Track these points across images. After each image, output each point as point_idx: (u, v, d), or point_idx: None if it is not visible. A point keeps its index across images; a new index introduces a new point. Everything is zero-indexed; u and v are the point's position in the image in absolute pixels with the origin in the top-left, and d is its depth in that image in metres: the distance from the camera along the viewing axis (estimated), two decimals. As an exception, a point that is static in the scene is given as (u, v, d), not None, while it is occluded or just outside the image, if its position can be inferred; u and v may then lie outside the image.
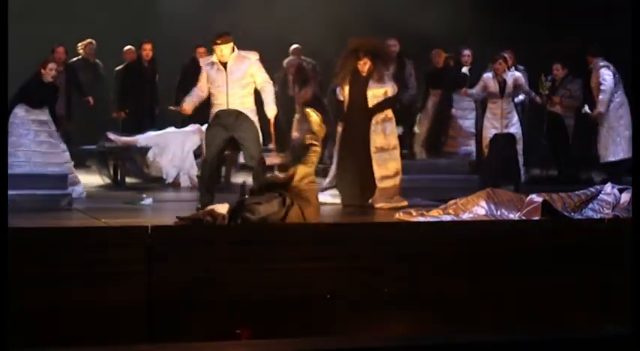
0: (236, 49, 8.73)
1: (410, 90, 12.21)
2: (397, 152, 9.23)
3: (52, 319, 6.07)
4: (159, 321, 6.33)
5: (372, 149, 8.99)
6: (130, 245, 6.42)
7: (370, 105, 9.04)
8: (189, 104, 9.06)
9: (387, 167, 9.07)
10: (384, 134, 9.08)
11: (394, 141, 9.21)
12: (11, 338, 4.93)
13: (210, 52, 9.08)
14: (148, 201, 9.39)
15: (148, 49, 12.71)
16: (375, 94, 9.06)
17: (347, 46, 9.19)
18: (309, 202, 7.59)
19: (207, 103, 9.03)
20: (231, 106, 8.60)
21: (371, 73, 9.02)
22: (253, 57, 8.79)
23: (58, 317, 6.08)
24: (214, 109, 8.73)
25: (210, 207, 7.45)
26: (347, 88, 9.12)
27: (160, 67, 12.92)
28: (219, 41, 8.65)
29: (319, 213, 7.74)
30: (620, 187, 8.32)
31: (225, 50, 8.62)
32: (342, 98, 9.23)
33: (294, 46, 14.16)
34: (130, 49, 13.07)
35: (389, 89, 9.16)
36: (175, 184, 11.09)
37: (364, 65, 8.99)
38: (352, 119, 9.11)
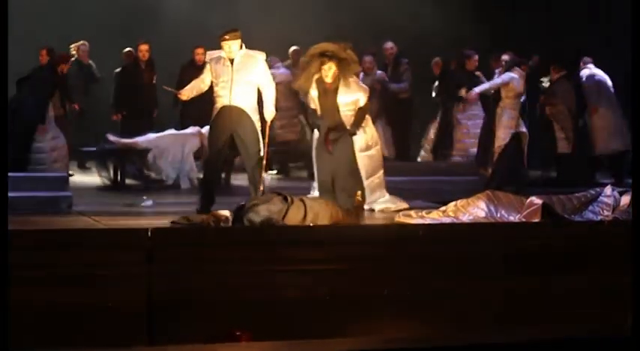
0: (244, 46, 8.76)
1: (402, 84, 12.27)
2: (379, 147, 9.10)
3: (52, 320, 6.07)
4: (159, 323, 6.33)
5: (357, 151, 8.78)
6: (131, 247, 6.43)
7: (342, 114, 8.67)
8: (187, 91, 9.08)
9: (372, 165, 8.92)
10: (364, 135, 8.88)
11: (375, 137, 9.06)
12: (11, 339, 4.93)
13: (215, 49, 9.08)
14: (148, 203, 9.40)
15: (144, 51, 12.73)
16: (347, 102, 8.67)
17: (310, 51, 8.77)
18: (324, 202, 7.68)
19: (209, 103, 9.04)
20: (234, 103, 8.62)
21: (336, 79, 8.61)
22: (261, 57, 8.82)
23: (58, 319, 6.08)
24: (217, 105, 8.75)
25: (213, 211, 7.51)
26: (315, 97, 8.73)
27: (159, 69, 12.94)
28: (227, 37, 8.67)
29: (333, 211, 7.76)
30: (620, 189, 8.32)
31: (233, 46, 8.65)
32: (313, 106, 8.85)
33: (294, 48, 14.21)
34: (128, 51, 13.11)
35: (360, 98, 8.73)
36: (175, 186, 11.10)
37: (329, 70, 8.56)
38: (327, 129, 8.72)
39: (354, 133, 8.72)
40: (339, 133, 8.68)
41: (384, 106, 12.46)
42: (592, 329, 4.16)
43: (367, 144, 8.91)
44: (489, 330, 6.04)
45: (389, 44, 12.52)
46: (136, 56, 12.75)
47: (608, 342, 3.69)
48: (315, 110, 8.83)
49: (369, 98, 8.99)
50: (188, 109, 12.13)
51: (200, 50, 12.51)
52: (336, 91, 8.67)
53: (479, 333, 4.16)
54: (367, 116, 8.99)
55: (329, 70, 8.58)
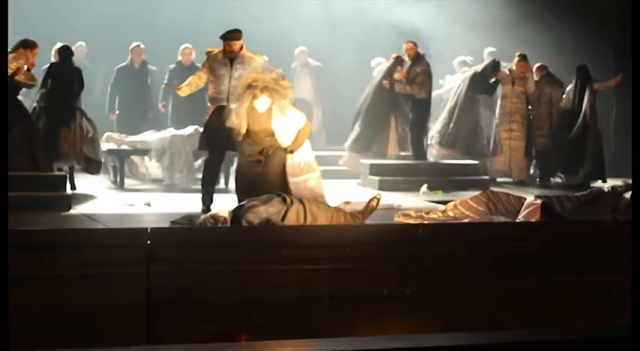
0: (244, 47, 8.81)
1: (416, 84, 12.26)
2: (307, 147, 8.54)
3: (52, 320, 6.07)
4: (158, 322, 6.33)
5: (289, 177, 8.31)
6: (130, 247, 6.42)
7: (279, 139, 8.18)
8: (186, 87, 9.07)
9: (296, 165, 8.46)
10: (298, 161, 8.47)
11: (310, 166, 8.58)
12: (11, 340, 4.93)
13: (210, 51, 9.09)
14: (148, 202, 9.41)
15: (137, 53, 13.02)
16: (285, 129, 8.17)
17: (238, 90, 8.24)
18: (324, 204, 7.64)
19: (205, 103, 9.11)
20: (231, 103, 8.63)
21: (270, 108, 8.10)
22: (260, 59, 8.87)
23: (58, 319, 6.08)
24: (214, 103, 8.77)
25: (212, 211, 7.51)
26: (244, 125, 8.14)
27: (162, 69, 13.15)
28: (229, 36, 8.73)
29: (334, 213, 7.71)
30: (620, 189, 8.33)
31: (234, 46, 8.69)
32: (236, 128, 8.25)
33: (300, 48, 14.30)
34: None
35: (297, 123, 8.22)
36: (174, 186, 11.11)
37: (263, 102, 8.04)
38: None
39: (292, 151, 8.27)
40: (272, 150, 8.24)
41: (401, 105, 12.48)
42: (592, 329, 4.16)
43: (299, 169, 8.49)
44: (489, 330, 6.04)
45: (409, 44, 12.54)
46: (131, 58, 13.00)
47: (608, 342, 3.69)
48: (238, 132, 8.24)
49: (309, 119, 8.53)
50: (181, 107, 12.33)
51: (187, 50, 12.74)
52: (268, 115, 8.16)
53: (479, 333, 4.15)
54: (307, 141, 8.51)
55: (263, 103, 8.08)
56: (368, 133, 12.52)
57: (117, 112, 13.06)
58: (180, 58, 12.91)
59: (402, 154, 12.61)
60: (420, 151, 12.43)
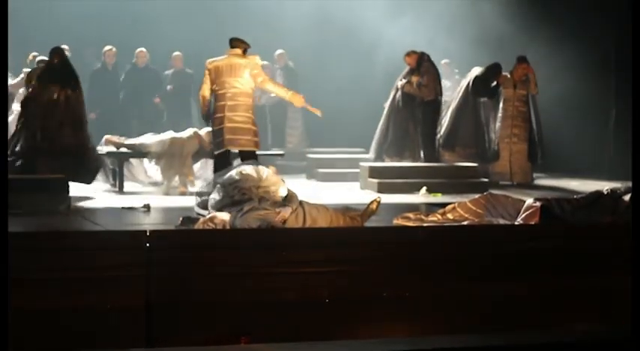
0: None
1: (423, 86, 12.28)
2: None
3: (51, 322, 6.06)
4: (158, 325, 6.32)
5: None
6: (129, 249, 6.41)
7: None
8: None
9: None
10: None
11: None
12: (12, 342, 4.93)
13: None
14: (147, 205, 9.40)
15: (110, 56, 13.93)
16: None
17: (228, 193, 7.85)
18: (323, 207, 7.65)
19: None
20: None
21: None
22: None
23: (57, 321, 6.07)
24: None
25: (211, 214, 7.50)
26: None
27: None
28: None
29: (333, 216, 7.71)
30: (619, 191, 8.32)
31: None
32: None
33: (279, 51, 14.60)
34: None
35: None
36: (173, 189, 11.10)
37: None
38: None
39: None
40: None
41: (413, 108, 12.51)
42: (592, 331, 4.17)
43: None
44: (489, 332, 6.03)
45: (406, 58, 12.62)
46: (103, 61, 13.67)
47: (608, 343, 3.69)
48: None
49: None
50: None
51: (142, 53, 13.94)
52: None
53: (479, 335, 4.16)
54: None
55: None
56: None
57: (91, 114, 13.41)
58: (135, 60, 14.04)
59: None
60: (431, 153, 12.46)
